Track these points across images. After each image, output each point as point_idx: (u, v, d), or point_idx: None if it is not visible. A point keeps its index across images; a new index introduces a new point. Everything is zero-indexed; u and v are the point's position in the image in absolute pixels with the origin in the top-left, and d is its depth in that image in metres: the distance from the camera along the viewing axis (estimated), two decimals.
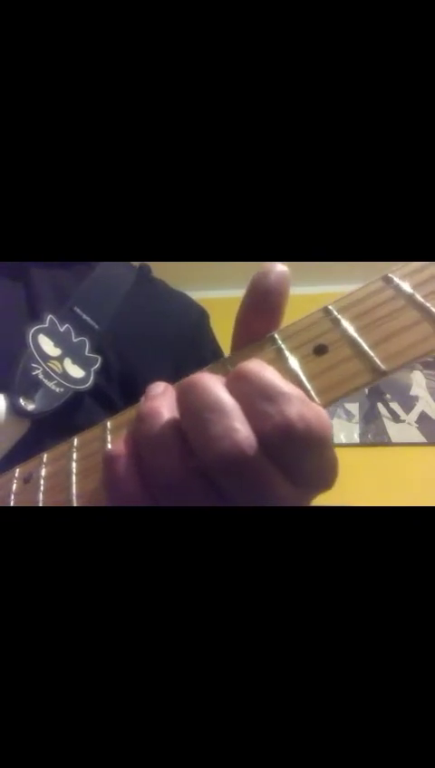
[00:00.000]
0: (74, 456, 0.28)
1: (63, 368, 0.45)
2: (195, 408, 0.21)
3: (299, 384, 0.23)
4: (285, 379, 0.22)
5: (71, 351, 0.46)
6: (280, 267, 0.25)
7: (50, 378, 0.44)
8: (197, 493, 0.21)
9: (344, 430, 1.86)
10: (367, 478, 1.59)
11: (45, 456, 0.29)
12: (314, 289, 1.63)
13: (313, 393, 0.22)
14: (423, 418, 2.14)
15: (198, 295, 0.64)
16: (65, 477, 0.27)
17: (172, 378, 0.26)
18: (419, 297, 0.22)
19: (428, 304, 0.22)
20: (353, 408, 1.96)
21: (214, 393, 0.21)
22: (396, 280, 0.23)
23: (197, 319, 0.60)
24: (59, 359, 0.46)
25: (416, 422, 2.14)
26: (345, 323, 0.24)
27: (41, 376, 0.43)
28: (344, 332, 0.23)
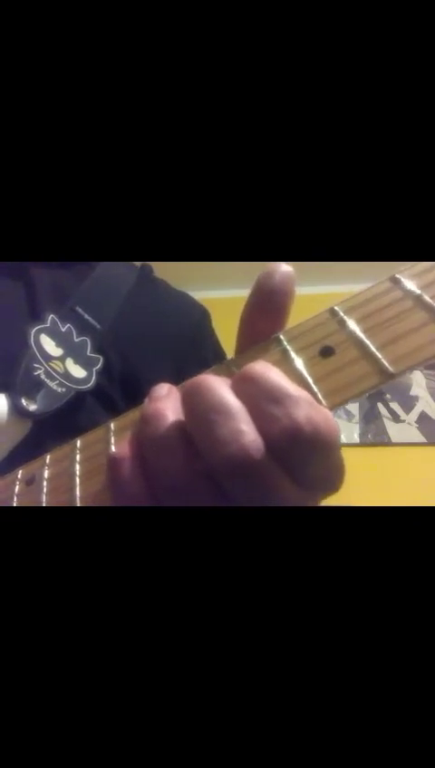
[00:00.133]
0: (77, 457, 0.27)
1: (65, 368, 0.45)
2: (200, 410, 0.21)
3: (305, 386, 0.22)
4: (291, 380, 0.22)
5: (72, 351, 0.46)
6: (285, 267, 0.25)
7: (52, 378, 0.44)
8: (202, 495, 0.21)
9: (344, 430, 1.86)
10: (367, 478, 1.59)
11: (48, 457, 0.29)
12: (315, 289, 1.63)
13: (319, 396, 0.22)
14: (423, 418, 2.14)
15: (198, 295, 0.63)
16: (68, 479, 0.27)
17: (174, 378, 0.26)
18: (427, 298, 0.22)
19: None
20: (353, 407, 1.96)
21: (219, 395, 0.21)
22: (404, 281, 0.23)
23: (198, 319, 0.60)
24: (61, 359, 0.45)
25: (416, 422, 2.14)
26: (352, 325, 0.23)
27: (43, 376, 0.43)
28: (351, 334, 0.23)
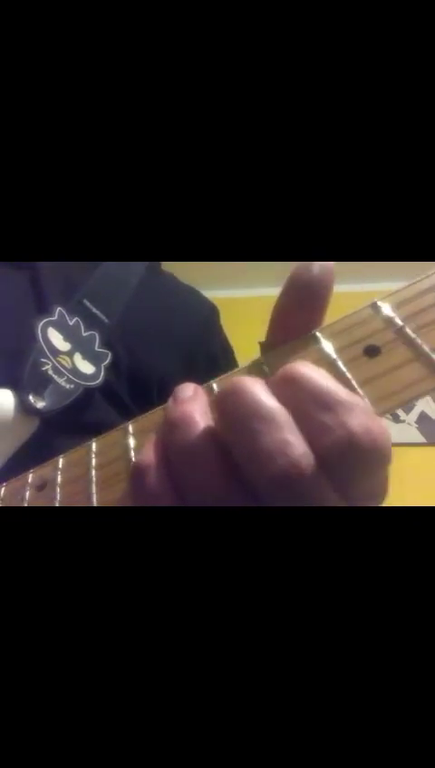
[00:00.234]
0: (93, 462, 0.25)
1: (73, 363, 0.43)
2: (239, 417, 0.19)
3: (351, 390, 0.20)
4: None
5: (80, 346, 0.44)
6: (324, 262, 0.23)
7: (60, 374, 0.41)
8: (235, 506, 0.19)
9: None
10: None
11: (60, 461, 0.27)
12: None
13: (368, 401, 0.20)
14: (423, 418, 2.14)
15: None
16: (84, 486, 0.24)
17: (182, 375, 0.24)
18: None
19: None
20: None
21: (261, 400, 0.19)
22: None
23: (207, 315, 0.58)
24: (69, 353, 0.43)
25: (416, 422, 2.14)
26: (400, 322, 0.21)
27: (50, 372, 0.41)
28: (401, 332, 0.21)
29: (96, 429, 0.28)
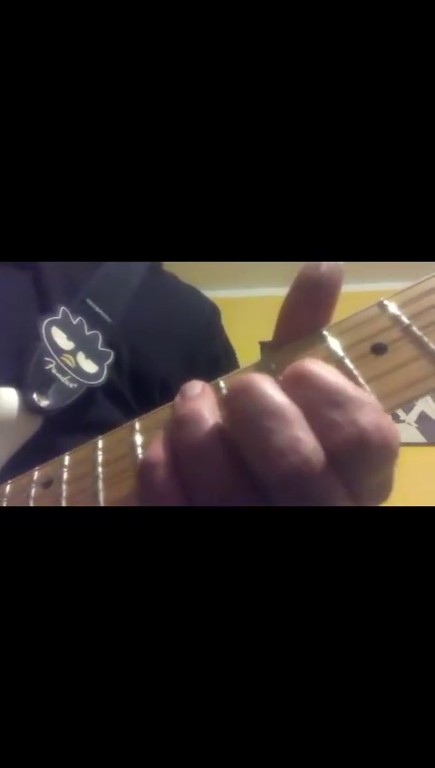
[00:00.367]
0: (99, 459, 0.25)
1: (77, 362, 0.43)
2: (250, 415, 0.19)
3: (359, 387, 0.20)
4: None
5: (84, 345, 0.44)
6: (332, 262, 0.23)
7: (63, 372, 0.41)
8: (244, 504, 0.19)
9: None
10: None
11: (66, 458, 0.27)
12: None
13: (375, 398, 0.20)
14: (423, 418, 2.14)
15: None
16: (91, 483, 0.25)
17: (184, 375, 0.24)
18: None
19: None
20: None
21: (271, 397, 0.19)
22: None
23: (209, 315, 0.58)
24: (72, 352, 0.43)
25: (416, 422, 2.14)
26: (407, 320, 0.22)
27: (54, 370, 0.41)
28: (408, 331, 0.21)
29: (99, 428, 0.28)
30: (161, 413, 0.25)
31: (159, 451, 0.21)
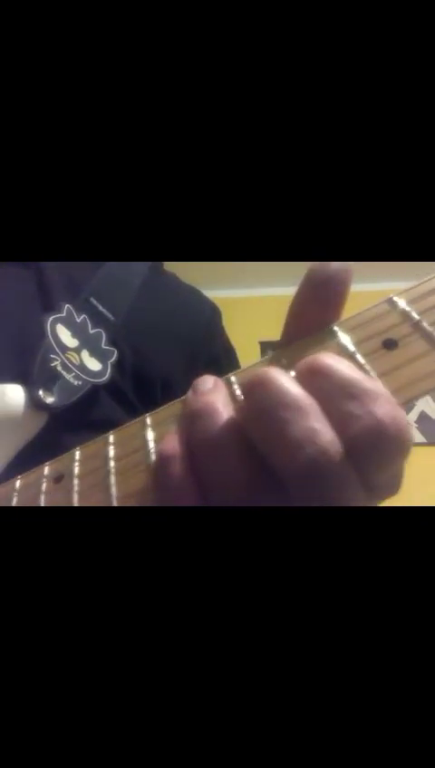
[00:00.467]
0: (111, 453, 0.25)
1: (81, 360, 0.43)
2: (267, 407, 0.19)
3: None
4: None
5: (88, 343, 0.44)
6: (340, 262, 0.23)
7: (68, 370, 0.42)
8: (259, 497, 0.19)
9: None
10: None
11: (77, 453, 0.27)
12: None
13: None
14: (423, 418, 2.14)
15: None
16: (103, 477, 0.25)
17: (185, 374, 0.24)
18: None
19: None
20: None
21: (288, 389, 0.19)
22: None
23: (209, 316, 0.58)
24: (76, 350, 0.43)
25: (416, 422, 2.14)
26: (417, 316, 0.22)
27: (59, 368, 0.41)
28: (418, 326, 0.21)
29: (102, 426, 0.28)
30: (172, 408, 0.25)
31: (174, 444, 0.21)
